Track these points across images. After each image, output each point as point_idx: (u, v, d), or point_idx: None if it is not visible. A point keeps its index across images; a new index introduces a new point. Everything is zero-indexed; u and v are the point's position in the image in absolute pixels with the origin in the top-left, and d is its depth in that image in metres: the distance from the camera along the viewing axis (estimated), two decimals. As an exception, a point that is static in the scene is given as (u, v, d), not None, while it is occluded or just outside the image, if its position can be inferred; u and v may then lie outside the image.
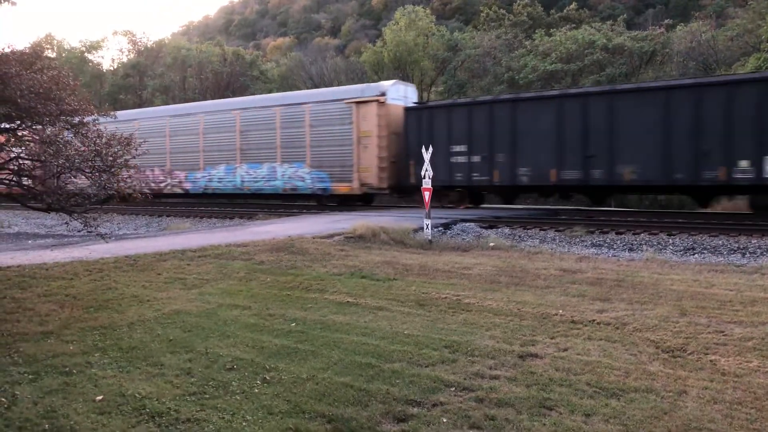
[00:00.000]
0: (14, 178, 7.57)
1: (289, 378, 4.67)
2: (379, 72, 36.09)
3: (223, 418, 3.96)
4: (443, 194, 18.91)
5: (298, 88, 35.87)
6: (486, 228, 14.38)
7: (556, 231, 13.72)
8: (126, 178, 7.52)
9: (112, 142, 7.31)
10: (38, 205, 7.54)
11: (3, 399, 4.21)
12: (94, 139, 7.26)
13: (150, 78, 45.21)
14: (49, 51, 45.62)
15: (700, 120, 14.52)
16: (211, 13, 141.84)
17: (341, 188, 20.64)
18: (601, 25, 35.16)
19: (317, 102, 21.31)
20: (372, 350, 5.33)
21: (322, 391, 4.39)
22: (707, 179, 14.53)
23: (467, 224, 14.66)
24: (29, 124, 7.27)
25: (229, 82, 42.11)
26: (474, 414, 4.00)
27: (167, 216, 20.81)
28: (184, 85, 43.36)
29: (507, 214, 16.76)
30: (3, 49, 7.45)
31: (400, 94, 20.65)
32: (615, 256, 11.25)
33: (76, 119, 7.32)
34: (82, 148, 7.17)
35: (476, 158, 18.00)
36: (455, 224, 14.61)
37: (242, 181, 23.04)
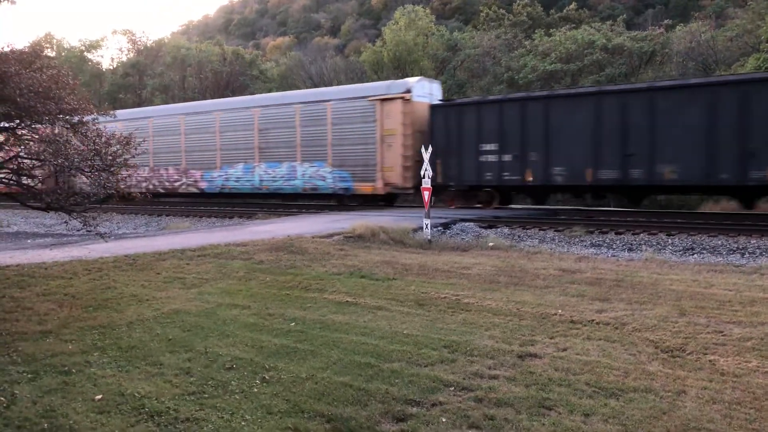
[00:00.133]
0: (13, 177, 7.57)
1: (289, 377, 4.67)
2: (378, 72, 36.05)
3: (222, 417, 3.96)
4: (472, 194, 18.59)
5: (298, 88, 35.82)
6: (485, 228, 14.39)
7: (555, 231, 13.73)
8: (125, 177, 7.52)
9: (111, 142, 7.32)
10: (37, 204, 7.54)
11: (2, 398, 4.21)
12: (94, 138, 7.26)
13: (149, 77, 45.19)
14: (49, 50, 45.62)
15: (747, 118, 14.01)
16: (210, 12, 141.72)
17: (364, 188, 20.10)
18: (600, 25, 35.15)
19: (340, 99, 20.59)
20: (371, 350, 5.33)
21: (321, 391, 4.39)
22: (755, 179, 14.09)
23: (466, 224, 14.67)
24: (28, 123, 7.27)
25: (229, 82, 42.10)
26: (473, 414, 4.00)
27: (166, 215, 20.81)
28: (184, 84, 43.35)
29: (506, 214, 16.76)
30: (2, 48, 7.46)
31: (426, 91, 20.05)
32: (614, 256, 11.25)
33: (76, 118, 7.32)
34: (82, 148, 7.17)
35: (507, 157, 17.40)
36: (454, 224, 14.62)
37: (261, 180, 22.46)
